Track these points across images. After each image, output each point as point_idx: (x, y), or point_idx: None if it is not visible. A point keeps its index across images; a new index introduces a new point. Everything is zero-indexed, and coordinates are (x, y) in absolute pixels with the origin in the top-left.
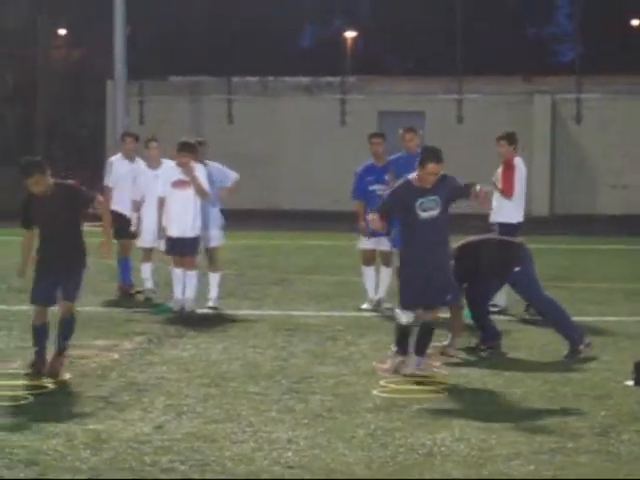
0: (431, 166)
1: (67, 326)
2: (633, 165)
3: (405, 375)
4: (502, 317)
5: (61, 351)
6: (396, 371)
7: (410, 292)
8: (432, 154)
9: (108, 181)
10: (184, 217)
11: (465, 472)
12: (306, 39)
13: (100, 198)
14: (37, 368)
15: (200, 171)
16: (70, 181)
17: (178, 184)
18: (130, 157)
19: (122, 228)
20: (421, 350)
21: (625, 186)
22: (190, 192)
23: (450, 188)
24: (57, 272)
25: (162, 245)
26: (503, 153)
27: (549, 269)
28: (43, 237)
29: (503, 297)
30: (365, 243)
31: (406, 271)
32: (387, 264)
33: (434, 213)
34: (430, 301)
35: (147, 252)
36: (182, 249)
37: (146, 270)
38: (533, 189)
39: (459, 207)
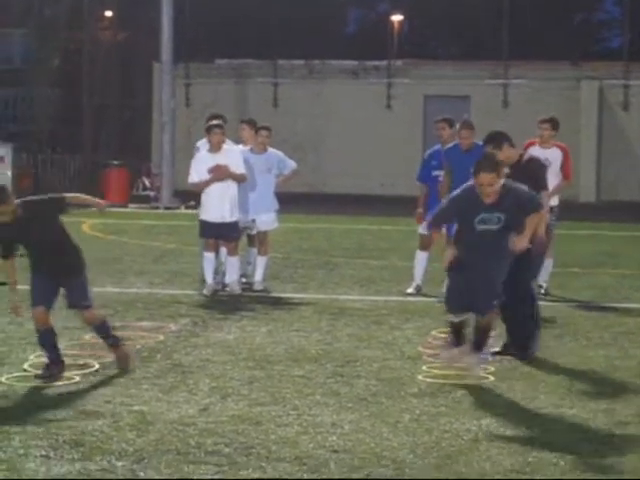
0: (482, 176)
1: (101, 329)
2: None
3: (468, 368)
4: (546, 303)
5: (114, 345)
6: (454, 361)
7: (454, 296)
8: (482, 162)
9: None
10: (222, 203)
11: (510, 458)
12: (352, 22)
13: (70, 195)
14: (52, 373)
15: (233, 152)
16: (33, 197)
17: (214, 169)
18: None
19: None
20: (477, 346)
21: None
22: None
23: (518, 205)
24: (56, 280)
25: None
26: (546, 136)
27: (595, 255)
28: (35, 258)
29: (545, 277)
30: (424, 228)
31: (452, 275)
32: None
33: (493, 227)
34: (475, 309)
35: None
36: (223, 234)
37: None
38: (580, 176)
39: None
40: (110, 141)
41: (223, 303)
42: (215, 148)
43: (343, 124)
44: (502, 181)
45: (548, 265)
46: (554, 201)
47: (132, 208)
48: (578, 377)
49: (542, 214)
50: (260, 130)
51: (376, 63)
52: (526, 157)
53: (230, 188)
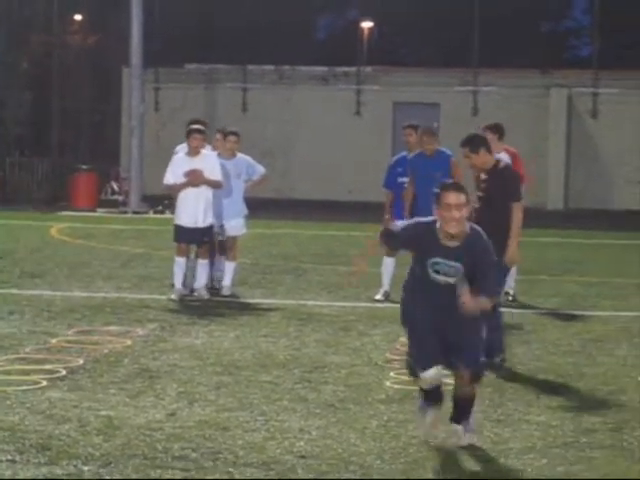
0: (451, 195)
1: None
2: None
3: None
4: (514, 310)
5: None
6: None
7: (424, 353)
8: (450, 183)
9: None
10: (197, 208)
11: (477, 464)
12: (322, 28)
13: None
14: None
15: (210, 158)
16: None
17: (190, 174)
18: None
19: None
20: (459, 417)
21: None
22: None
23: (478, 261)
24: None
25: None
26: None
27: (563, 263)
28: None
29: (510, 284)
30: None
31: (414, 332)
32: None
33: (450, 280)
34: (452, 362)
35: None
36: (196, 239)
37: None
38: (548, 183)
39: None
40: (79, 145)
41: (191, 308)
42: (193, 152)
43: (312, 130)
44: (468, 224)
45: (512, 272)
46: None
47: (100, 212)
48: (546, 384)
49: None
50: (228, 135)
51: (346, 69)
52: (502, 164)
53: (205, 193)
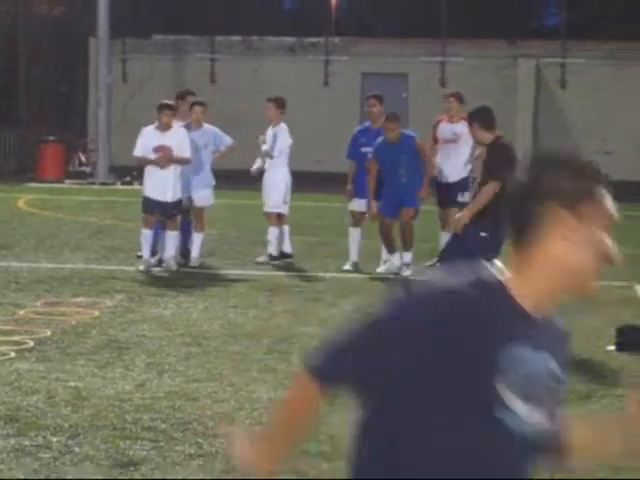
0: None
1: None
2: (616, 131)
3: None
4: None
5: None
6: None
7: None
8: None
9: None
10: (165, 181)
11: None
12: None
13: None
14: None
15: (180, 134)
16: None
17: (159, 150)
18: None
19: None
20: None
21: (608, 152)
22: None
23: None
24: None
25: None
26: (454, 109)
27: None
28: None
29: None
30: (355, 204)
31: None
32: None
33: (537, 421)
34: None
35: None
36: (165, 212)
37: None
38: (516, 153)
39: None
40: (47, 116)
41: (159, 279)
42: (164, 127)
43: None
44: None
45: None
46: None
47: (68, 184)
48: None
49: None
50: (194, 106)
51: (314, 40)
52: (500, 142)
53: (171, 168)
